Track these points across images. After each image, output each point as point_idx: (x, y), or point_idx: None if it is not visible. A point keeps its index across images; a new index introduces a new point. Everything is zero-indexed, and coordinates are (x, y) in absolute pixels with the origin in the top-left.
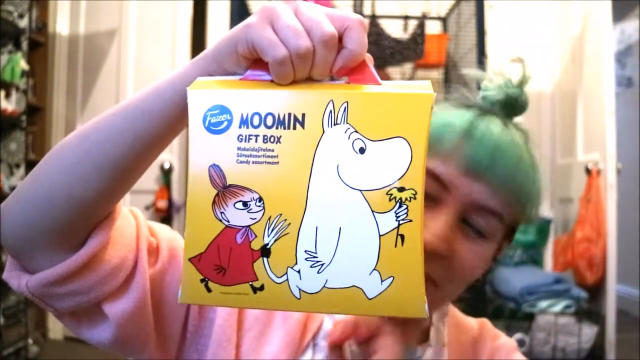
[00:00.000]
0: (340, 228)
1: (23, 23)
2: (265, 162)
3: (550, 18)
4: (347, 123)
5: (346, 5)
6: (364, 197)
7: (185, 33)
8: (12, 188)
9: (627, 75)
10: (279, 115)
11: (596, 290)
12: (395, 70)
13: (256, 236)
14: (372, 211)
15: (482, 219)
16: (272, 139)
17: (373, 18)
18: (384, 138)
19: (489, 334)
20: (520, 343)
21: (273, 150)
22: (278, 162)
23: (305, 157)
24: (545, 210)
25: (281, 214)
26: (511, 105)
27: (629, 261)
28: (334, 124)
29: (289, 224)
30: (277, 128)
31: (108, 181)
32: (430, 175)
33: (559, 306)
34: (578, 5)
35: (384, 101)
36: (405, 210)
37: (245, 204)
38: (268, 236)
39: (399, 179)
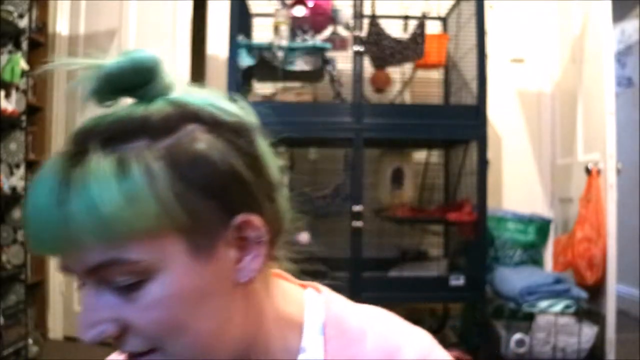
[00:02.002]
0: None
1: (23, 23)
2: None
3: (550, 18)
4: None
5: (346, 6)
6: None
7: (185, 33)
8: (12, 188)
9: (627, 75)
10: None
11: (596, 290)
12: (395, 70)
13: None
14: None
15: (111, 275)
16: None
17: (373, 18)
18: None
19: (383, 343)
20: (520, 343)
21: None
22: None
23: None
24: (545, 210)
25: None
26: (116, 87)
27: (629, 261)
28: None
29: None
30: None
31: None
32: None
33: (559, 306)
34: (578, 5)
35: None
36: None
37: None
38: None
39: None
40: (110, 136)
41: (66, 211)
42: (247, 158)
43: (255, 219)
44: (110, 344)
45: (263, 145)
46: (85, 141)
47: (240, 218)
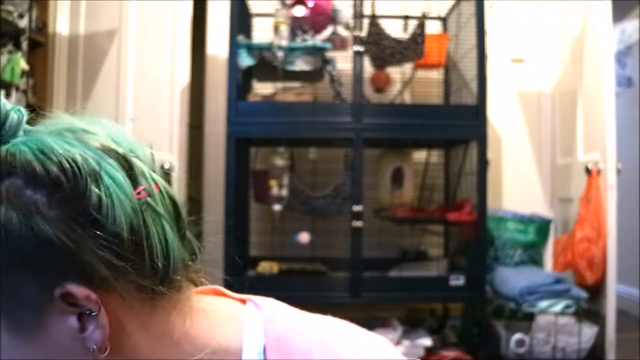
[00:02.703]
0: None
1: (23, 23)
2: None
3: (551, 18)
4: None
5: (346, 6)
6: None
7: (185, 33)
8: None
9: (627, 75)
10: None
11: (596, 290)
12: (395, 70)
13: None
14: None
15: None
16: None
17: (373, 18)
18: None
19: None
20: (520, 343)
21: None
22: None
23: None
24: (545, 210)
25: None
26: None
27: (629, 261)
28: None
29: None
30: None
31: None
32: None
33: (559, 306)
34: (578, 5)
35: None
36: None
37: None
38: None
39: None
40: None
41: None
42: (69, 218)
43: (77, 290)
44: None
45: (111, 187)
46: None
47: (58, 291)
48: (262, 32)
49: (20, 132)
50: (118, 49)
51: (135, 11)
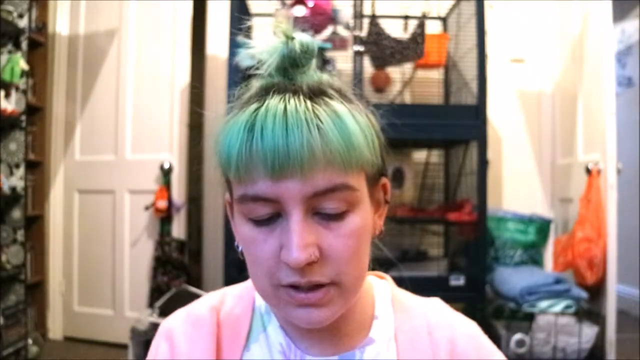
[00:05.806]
0: None
1: (23, 23)
2: None
3: (550, 18)
4: None
5: (346, 6)
6: None
7: (185, 33)
8: (12, 188)
9: (627, 75)
10: None
11: (596, 290)
12: (395, 70)
13: None
14: None
15: (328, 201)
16: None
17: (373, 18)
18: None
19: (444, 318)
20: (521, 343)
21: None
22: None
23: None
24: (545, 210)
25: None
26: (291, 64)
27: (629, 261)
28: None
29: None
30: None
31: None
32: (254, 200)
33: (559, 306)
34: (578, 5)
35: None
36: None
37: None
38: None
39: None
40: (341, 90)
41: (322, 133)
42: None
43: (388, 185)
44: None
45: None
46: (313, 91)
47: (383, 180)
48: (262, 32)
49: None
50: (118, 49)
51: (135, 11)
